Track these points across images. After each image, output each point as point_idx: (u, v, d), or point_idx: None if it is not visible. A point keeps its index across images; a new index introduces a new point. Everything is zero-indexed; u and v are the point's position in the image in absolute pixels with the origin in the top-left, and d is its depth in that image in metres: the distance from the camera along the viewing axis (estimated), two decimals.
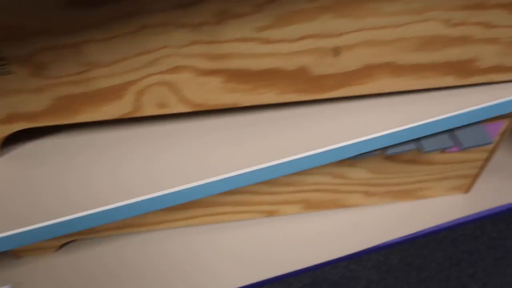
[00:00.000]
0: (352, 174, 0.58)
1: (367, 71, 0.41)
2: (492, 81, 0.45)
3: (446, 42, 0.40)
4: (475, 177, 0.62)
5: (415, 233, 0.66)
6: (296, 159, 0.42)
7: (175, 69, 0.37)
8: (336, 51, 0.39)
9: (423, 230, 0.66)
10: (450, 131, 0.50)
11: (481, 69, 0.44)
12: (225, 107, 0.42)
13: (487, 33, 0.40)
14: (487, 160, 0.60)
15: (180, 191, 0.39)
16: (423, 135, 0.46)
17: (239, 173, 0.40)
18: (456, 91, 0.47)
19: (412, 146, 0.49)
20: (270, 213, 0.64)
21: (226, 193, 0.58)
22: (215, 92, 0.40)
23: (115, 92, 0.38)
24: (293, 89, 0.42)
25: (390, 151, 0.48)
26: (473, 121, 0.48)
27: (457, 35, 0.39)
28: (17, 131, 0.44)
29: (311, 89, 0.42)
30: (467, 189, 0.65)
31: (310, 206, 0.64)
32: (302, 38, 0.37)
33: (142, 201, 0.38)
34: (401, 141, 0.46)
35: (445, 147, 0.48)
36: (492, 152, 0.58)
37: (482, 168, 0.61)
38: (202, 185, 0.39)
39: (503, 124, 0.55)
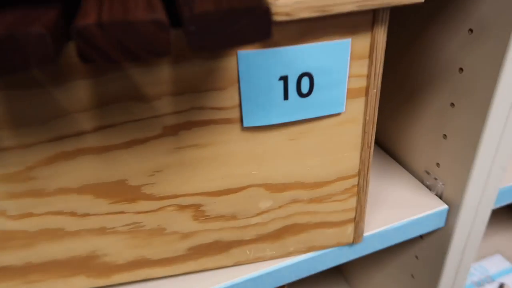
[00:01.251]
0: None
1: None
2: (147, 278, 0.33)
3: (28, 238, 0.28)
4: None
5: None
6: None
7: None
8: None
9: None
10: None
11: (120, 265, 0.32)
12: None
13: (81, 223, 0.29)
14: None
15: None
16: None
17: None
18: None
19: None
20: None
21: None
22: None
23: None
24: None
25: None
26: None
27: (42, 227, 0.28)
28: None
29: None
30: None
31: None
32: None
33: None
34: None
35: None
36: None
37: None
38: None
39: None
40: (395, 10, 0.40)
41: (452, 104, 0.37)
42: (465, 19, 0.33)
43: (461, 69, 0.35)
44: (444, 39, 0.35)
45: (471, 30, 0.33)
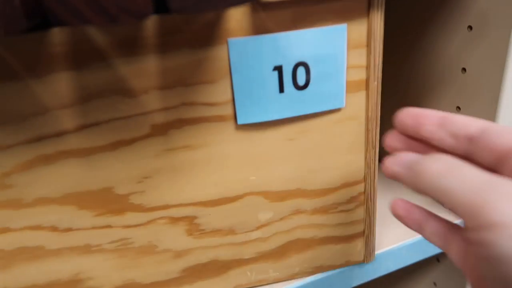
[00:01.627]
0: None
1: None
2: None
3: (3, 258, 0.25)
4: None
5: None
6: None
7: None
8: None
9: None
10: None
11: None
12: None
13: (62, 240, 0.26)
14: None
15: None
16: None
17: None
18: None
19: None
20: None
21: None
22: None
23: None
24: None
25: None
26: None
27: (19, 244, 0.25)
28: None
29: None
30: None
31: None
32: None
33: None
34: None
35: None
36: None
37: None
38: None
39: None
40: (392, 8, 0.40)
41: (458, 108, 0.35)
42: (464, 16, 0.32)
43: (464, 70, 0.34)
44: (444, 38, 0.35)
45: (470, 27, 0.32)
